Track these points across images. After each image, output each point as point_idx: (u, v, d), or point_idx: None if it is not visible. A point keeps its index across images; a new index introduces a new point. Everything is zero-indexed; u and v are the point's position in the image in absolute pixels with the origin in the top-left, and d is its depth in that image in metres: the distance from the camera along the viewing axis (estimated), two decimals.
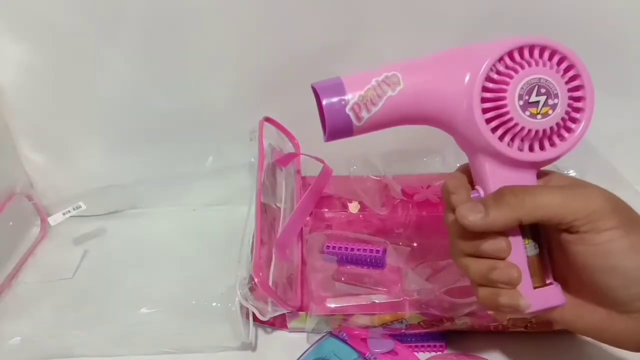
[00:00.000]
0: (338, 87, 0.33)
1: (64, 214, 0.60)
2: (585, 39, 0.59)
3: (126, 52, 0.57)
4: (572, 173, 0.61)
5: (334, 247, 0.53)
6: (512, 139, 0.32)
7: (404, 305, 0.47)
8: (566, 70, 0.32)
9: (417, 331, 0.48)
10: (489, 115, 0.32)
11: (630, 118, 0.64)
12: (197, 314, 0.50)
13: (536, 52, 0.32)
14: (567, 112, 0.33)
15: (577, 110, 0.33)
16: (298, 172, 0.64)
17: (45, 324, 0.51)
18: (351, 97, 0.32)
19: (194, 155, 0.65)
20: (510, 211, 0.32)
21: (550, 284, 0.34)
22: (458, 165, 0.39)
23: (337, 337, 0.48)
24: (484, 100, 0.32)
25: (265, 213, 0.54)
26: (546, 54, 0.32)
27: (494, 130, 0.32)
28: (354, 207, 0.62)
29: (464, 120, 0.33)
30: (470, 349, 0.48)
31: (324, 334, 0.49)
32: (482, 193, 0.34)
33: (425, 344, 0.48)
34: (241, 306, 0.47)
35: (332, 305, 0.48)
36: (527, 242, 0.34)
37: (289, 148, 0.64)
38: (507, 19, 0.57)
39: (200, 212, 0.68)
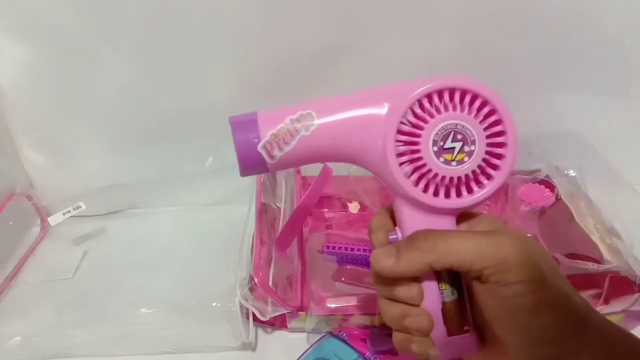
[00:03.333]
0: (251, 124, 0.32)
1: (64, 214, 0.60)
2: (585, 39, 0.59)
3: (126, 52, 0.57)
4: (572, 173, 0.61)
5: (334, 247, 0.53)
6: (427, 185, 0.31)
7: None
8: (487, 115, 0.31)
9: None
10: (403, 159, 0.31)
11: (630, 118, 0.64)
12: (197, 314, 0.50)
13: (456, 96, 0.31)
14: (484, 160, 0.31)
15: (497, 156, 0.31)
16: (298, 172, 0.64)
17: (45, 324, 0.51)
18: (263, 135, 0.32)
19: (194, 155, 0.65)
20: (420, 256, 0.31)
21: (467, 331, 0.33)
22: None
23: (337, 337, 0.48)
24: (398, 143, 0.31)
25: (265, 213, 0.54)
26: (467, 98, 0.31)
27: (408, 175, 0.31)
28: (354, 207, 0.62)
29: (379, 164, 0.32)
30: None
31: (324, 334, 0.49)
32: (399, 235, 0.34)
33: None
34: (241, 306, 0.48)
35: (332, 305, 0.48)
36: (444, 287, 0.32)
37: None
38: (506, 20, 0.57)
39: (200, 212, 0.68)
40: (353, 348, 0.46)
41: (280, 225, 0.55)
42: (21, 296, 0.55)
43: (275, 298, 0.46)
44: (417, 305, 0.33)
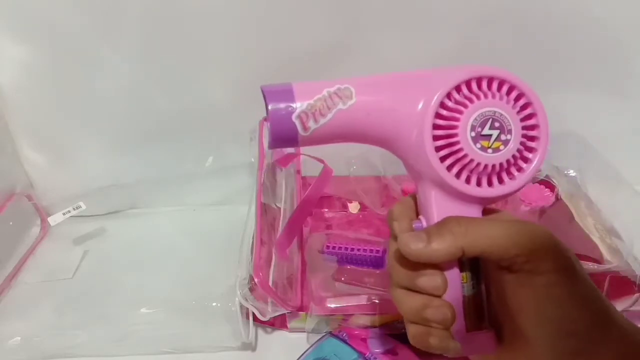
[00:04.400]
0: (287, 93, 0.31)
1: (64, 214, 0.60)
2: (585, 39, 0.59)
3: (126, 52, 0.57)
4: (572, 173, 0.61)
5: (334, 247, 0.53)
6: (460, 171, 0.31)
7: None
8: (523, 107, 0.31)
9: None
10: (439, 143, 0.31)
11: (630, 118, 0.64)
12: (197, 314, 0.50)
13: (494, 85, 0.31)
14: (519, 150, 0.31)
15: (529, 149, 0.32)
16: (298, 172, 0.64)
17: (45, 324, 0.51)
18: (299, 105, 0.31)
19: (194, 155, 0.66)
20: (453, 240, 0.30)
21: (484, 328, 0.32)
22: None
23: (337, 337, 0.48)
24: (435, 127, 0.31)
25: (265, 213, 0.54)
26: (504, 88, 0.31)
27: (442, 159, 0.31)
28: (354, 207, 0.62)
29: (413, 145, 0.31)
30: None
31: (324, 334, 0.49)
32: (424, 223, 0.33)
33: None
34: (241, 306, 0.47)
35: (332, 305, 0.48)
36: (465, 281, 0.32)
37: (289, 148, 0.64)
38: (506, 20, 0.57)
39: (200, 212, 0.68)
40: (353, 348, 0.46)
41: (280, 225, 0.55)
42: (21, 296, 0.55)
43: (275, 298, 0.46)
44: (439, 297, 0.31)
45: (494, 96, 0.31)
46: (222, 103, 0.62)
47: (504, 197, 0.32)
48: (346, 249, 0.52)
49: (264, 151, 0.58)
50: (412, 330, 0.33)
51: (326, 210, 0.62)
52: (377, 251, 0.52)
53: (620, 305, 0.48)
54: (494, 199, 0.32)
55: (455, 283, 0.32)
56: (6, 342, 0.48)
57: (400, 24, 0.58)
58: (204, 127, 0.63)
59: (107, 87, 0.59)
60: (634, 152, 0.63)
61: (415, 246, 0.30)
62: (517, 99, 0.31)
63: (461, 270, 0.32)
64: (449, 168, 0.31)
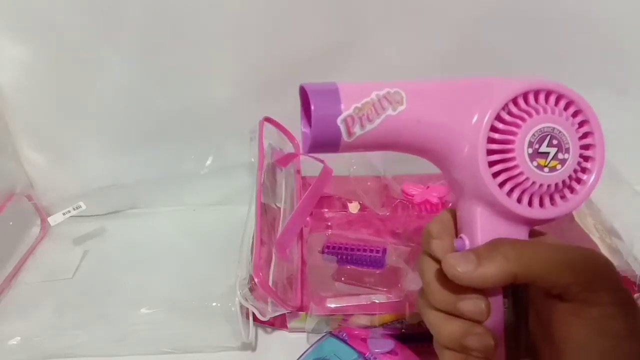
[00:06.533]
0: (333, 94, 0.28)
1: (64, 214, 0.60)
2: (585, 39, 0.59)
3: (126, 52, 0.57)
4: None
5: (334, 247, 0.53)
6: (513, 189, 0.29)
7: (404, 305, 0.47)
8: (580, 125, 0.29)
9: (417, 331, 0.48)
10: (493, 158, 0.28)
11: (630, 118, 0.64)
12: (197, 314, 0.50)
13: (552, 99, 0.29)
14: (575, 171, 0.29)
15: (584, 170, 0.30)
16: (298, 172, 0.64)
17: (45, 324, 0.51)
18: (346, 107, 0.28)
19: (194, 155, 0.65)
20: (506, 264, 0.27)
21: (522, 357, 0.31)
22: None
23: (337, 337, 0.48)
24: (490, 140, 0.28)
25: (265, 213, 0.54)
26: (562, 103, 0.29)
27: (494, 175, 0.28)
28: (354, 207, 0.62)
29: (464, 159, 0.29)
30: None
31: (324, 334, 0.49)
32: (467, 243, 0.30)
33: (425, 344, 0.48)
34: (241, 306, 0.47)
35: (332, 305, 0.48)
36: (506, 306, 0.30)
37: (289, 148, 0.64)
38: (506, 20, 0.57)
39: (200, 212, 0.68)
40: (353, 348, 0.46)
41: (280, 225, 0.55)
42: (21, 296, 0.55)
43: (275, 298, 0.46)
44: (480, 323, 0.29)
45: (552, 111, 0.28)
46: (222, 103, 0.62)
47: (554, 220, 0.30)
48: (346, 249, 0.52)
49: (264, 151, 0.58)
50: (447, 357, 0.30)
51: (326, 210, 0.62)
52: (377, 251, 0.52)
53: None
54: (544, 221, 0.30)
55: (498, 309, 0.30)
56: (6, 342, 0.48)
57: (401, 24, 0.58)
58: (204, 127, 0.63)
59: (107, 87, 0.59)
60: (634, 152, 0.63)
61: (464, 269, 0.28)
62: (574, 115, 0.29)
63: (504, 296, 0.30)
64: (501, 185, 0.29)
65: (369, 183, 0.61)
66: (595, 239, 0.53)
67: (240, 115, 0.61)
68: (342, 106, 0.28)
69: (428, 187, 0.60)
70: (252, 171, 0.59)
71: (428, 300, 0.31)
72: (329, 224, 0.60)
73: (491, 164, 0.28)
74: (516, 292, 0.30)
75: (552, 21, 0.58)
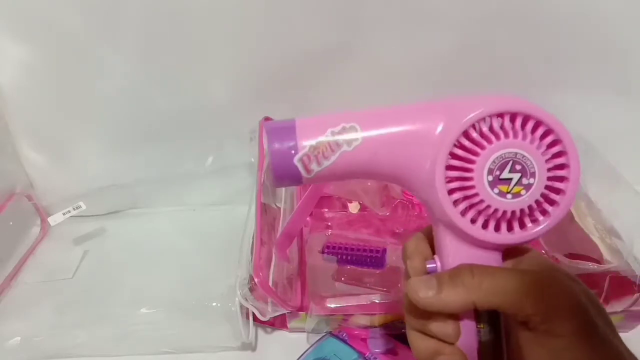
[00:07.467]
0: (289, 133, 0.29)
1: (64, 214, 0.60)
2: (585, 39, 0.59)
3: (126, 52, 0.57)
4: None
5: (334, 247, 0.53)
6: (477, 216, 0.28)
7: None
8: (550, 145, 0.28)
9: None
10: (453, 185, 0.28)
11: (630, 118, 0.64)
12: (197, 314, 0.50)
13: (517, 122, 0.28)
14: (542, 195, 0.28)
15: (557, 191, 0.28)
16: None
17: (45, 324, 0.51)
18: (301, 147, 0.29)
19: (194, 155, 0.65)
20: (465, 293, 0.28)
21: None
22: None
23: (337, 337, 0.48)
24: (448, 168, 0.28)
25: (265, 213, 0.54)
26: (529, 125, 0.28)
27: (456, 203, 0.28)
28: (354, 207, 0.62)
29: (425, 187, 0.29)
30: None
31: (324, 334, 0.49)
32: (439, 265, 0.31)
33: None
34: (241, 306, 0.48)
35: (332, 305, 0.48)
36: (482, 325, 0.30)
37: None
38: (506, 20, 0.57)
39: (200, 212, 0.68)
40: (353, 348, 0.46)
41: (280, 225, 0.55)
42: (21, 296, 0.55)
43: (275, 298, 0.46)
44: (452, 343, 0.30)
45: (515, 135, 0.27)
46: (222, 103, 0.62)
47: (525, 243, 0.30)
48: (346, 249, 0.52)
49: (264, 151, 0.58)
50: None
51: (326, 210, 0.62)
52: (377, 251, 0.52)
53: (620, 305, 0.48)
54: (513, 245, 0.30)
55: (470, 329, 0.30)
56: (6, 342, 0.49)
57: (401, 24, 0.58)
58: (204, 127, 0.63)
59: (107, 87, 0.59)
60: (634, 152, 0.63)
61: (424, 294, 0.29)
62: (543, 136, 0.28)
63: (478, 316, 0.30)
64: (464, 212, 0.28)
65: (369, 183, 0.61)
66: (595, 239, 0.53)
67: (240, 115, 0.61)
68: (298, 146, 0.29)
69: None
70: (252, 171, 0.59)
71: (406, 320, 0.32)
72: (329, 224, 0.60)
73: (451, 191, 0.28)
74: (494, 312, 0.30)
75: (552, 21, 0.58)
